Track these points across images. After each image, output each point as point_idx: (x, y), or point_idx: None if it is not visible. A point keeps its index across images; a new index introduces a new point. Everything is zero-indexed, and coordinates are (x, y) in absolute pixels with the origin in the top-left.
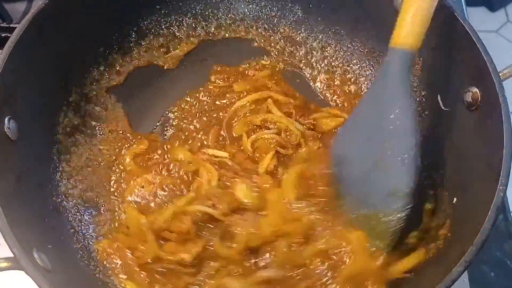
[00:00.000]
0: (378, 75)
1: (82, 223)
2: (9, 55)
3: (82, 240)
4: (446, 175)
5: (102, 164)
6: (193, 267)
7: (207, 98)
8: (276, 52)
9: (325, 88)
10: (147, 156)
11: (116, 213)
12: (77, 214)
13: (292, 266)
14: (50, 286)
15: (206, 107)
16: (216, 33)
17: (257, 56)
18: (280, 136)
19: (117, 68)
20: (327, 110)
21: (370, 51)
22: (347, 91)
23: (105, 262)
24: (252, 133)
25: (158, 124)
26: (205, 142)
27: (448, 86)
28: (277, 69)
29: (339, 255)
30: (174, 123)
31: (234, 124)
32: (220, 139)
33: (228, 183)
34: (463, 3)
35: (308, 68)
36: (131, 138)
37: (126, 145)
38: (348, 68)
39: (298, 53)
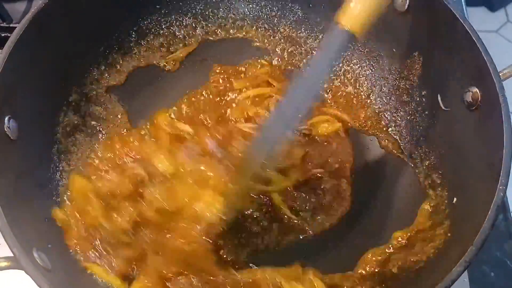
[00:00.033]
0: (319, 51)
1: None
2: (9, 55)
3: None
4: (446, 175)
5: None
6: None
7: (208, 96)
8: (276, 52)
9: (324, 88)
10: None
11: None
12: None
13: None
14: (50, 285)
15: (207, 106)
16: (216, 33)
17: (257, 56)
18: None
19: (117, 68)
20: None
21: (370, 51)
22: (346, 91)
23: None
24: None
25: None
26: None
27: (448, 86)
28: (277, 68)
29: None
30: None
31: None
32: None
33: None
34: (463, 3)
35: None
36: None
37: None
38: (348, 68)
39: (298, 53)
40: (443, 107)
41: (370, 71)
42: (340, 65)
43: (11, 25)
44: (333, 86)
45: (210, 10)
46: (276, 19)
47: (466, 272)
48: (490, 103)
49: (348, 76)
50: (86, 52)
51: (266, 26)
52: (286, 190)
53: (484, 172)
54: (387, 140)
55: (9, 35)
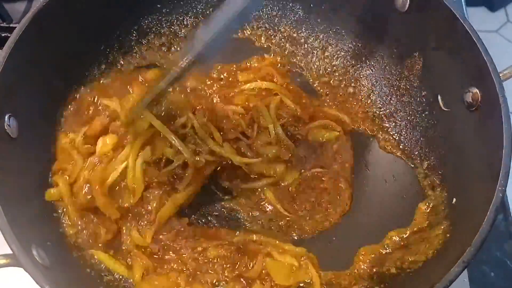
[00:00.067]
0: None
1: None
2: (9, 54)
3: None
4: (445, 175)
5: None
6: None
7: (213, 89)
8: (277, 52)
9: (325, 87)
10: None
11: None
12: None
13: None
14: (48, 283)
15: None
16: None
17: (258, 56)
18: (247, 128)
19: (118, 67)
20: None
21: (370, 52)
22: (347, 91)
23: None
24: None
25: None
26: None
27: (449, 86)
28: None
29: None
30: None
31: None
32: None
33: None
34: (463, 3)
35: (308, 68)
36: None
37: None
38: (349, 68)
39: (298, 53)
40: (443, 108)
41: (371, 71)
42: (341, 65)
43: (11, 25)
44: (334, 86)
45: (211, 9)
46: (277, 18)
47: (466, 272)
48: (490, 104)
49: (348, 76)
50: (86, 51)
51: (267, 25)
52: (286, 188)
53: (483, 172)
54: (387, 140)
55: (9, 35)
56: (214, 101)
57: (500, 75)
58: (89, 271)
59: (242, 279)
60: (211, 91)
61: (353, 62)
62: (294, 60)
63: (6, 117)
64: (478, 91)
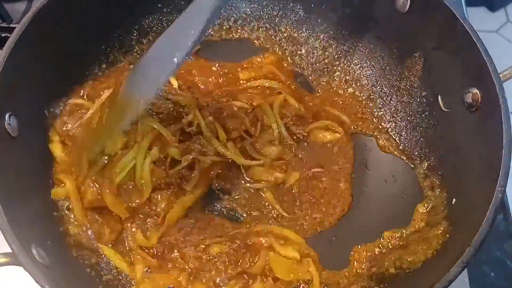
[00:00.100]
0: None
1: None
2: (9, 54)
3: None
4: (445, 175)
5: None
6: None
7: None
8: (278, 52)
9: (325, 87)
10: None
11: None
12: None
13: None
14: (48, 282)
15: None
16: (218, 33)
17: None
18: (250, 126)
19: (119, 66)
20: (327, 114)
21: (371, 52)
22: (346, 91)
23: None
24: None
25: None
26: None
27: (449, 87)
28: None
29: None
30: None
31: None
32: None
33: None
34: (463, 3)
35: (309, 68)
36: None
37: None
38: (349, 68)
39: (299, 53)
40: (443, 108)
41: (371, 71)
42: (341, 65)
43: (11, 25)
44: (334, 86)
45: None
46: (277, 18)
47: (466, 272)
48: (490, 104)
49: (348, 76)
50: (87, 51)
51: (267, 25)
52: (286, 189)
53: (483, 173)
54: (387, 140)
55: (9, 35)
56: (219, 99)
57: (500, 75)
58: (89, 271)
59: (244, 275)
60: (213, 87)
61: (353, 62)
62: (295, 60)
63: (7, 116)
64: (478, 92)
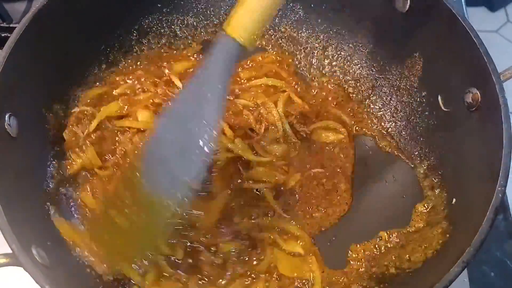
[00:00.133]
0: (206, 58)
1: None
2: (9, 54)
3: None
4: (445, 175)
5: None
6: None
7: None
8: (277, 52)
9: (325, 87)
10: None
11: None
12: None
13: None
14: (48, 282)
15: None
16: (218, 32)
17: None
18: (255, 124)
19: (118, 67)
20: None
21: (370, 52)
22: (346, 91)
23: None
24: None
25: None
26: None
27: (449, 87)
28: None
29: None
30: None
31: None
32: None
33: None
34: (463, 3)
35: (309, 68)
36: None
37: None
38: (349, 69)
39: (299, 53)
40: (443, 108)
41: (371, 71)
42: (341, 65)
43: (11, 25)
44: (334, 86)
45: (211, 9)
46: (277, 18)
47: (466, 272)
48: (490, 104)
49: (348, 76)
50: (87, 51)
51: (267, 25)
52: (285, 188)
53: (483, 173)
54: (387, 140)
55: (9, 35)
56: None
57: (501, 76)
58: (89, 271)
59: (250, 273)
60: None
61: (353, 62)
62: (295, 60)
63: (7, 116)
64: (478, 92)
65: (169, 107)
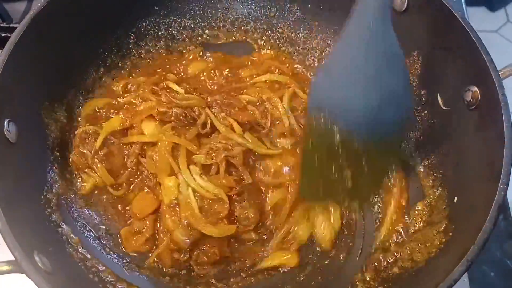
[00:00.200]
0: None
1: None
2: (9, 56)
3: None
4: (446, 174)
5: None
6: None
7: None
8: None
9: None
10: None
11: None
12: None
13: None
14: None
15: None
16: (215, 34)
17: None
18: (261, 119)
19: (117, 70)
20: None
21: None
22: None
23: None
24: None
25: None
26: None
27: (448, 86)
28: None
29: None
30: None
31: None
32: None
33: None
34: (463, 3)
35: (307, 68)
36: None
37: None
38: None
39: (297, 53)
40: (442, 107)
41: None
42: None
43: (11, 25)
44: None
45: (208, 11)
46: (274, 19)
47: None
48: (490, 102)
49: None
50: (85, 54)
51: (265, 26)
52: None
53: (484, 171)
54: None
55: (9, 35)
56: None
57: (500, 73)
58: (92, 277)
59: None
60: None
61: None
62: (293, 60)
63: (6, 122)
64: (478, 90)
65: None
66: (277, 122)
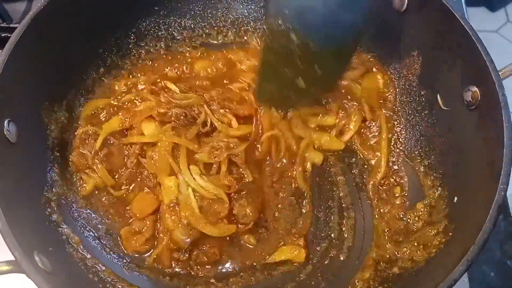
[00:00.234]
0: None
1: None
2: (9, 56)
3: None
4: (446, 174)
5: None
6: None
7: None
8: None
9: None
10: None
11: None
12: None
13: None
14: None
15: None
16: (215, 34)
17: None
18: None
19: (117, 70)
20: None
21: (369, 51)
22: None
23: None
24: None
25: None
26: None
27: (448, 85)
28: None
29: None
30: None
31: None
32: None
33: None
34: (463, 3)
35: None
36: None
37: None
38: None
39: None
40: (442, 107)
41: None
42: None
43: (11, 25)
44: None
45: (208, 11)
46: None
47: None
48: (490, 102)
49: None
50: (85, 54)
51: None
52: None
53: (484, 171)
54: None
55: (9, 35)
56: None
57: (500, 73)
58: (92, 277)
59: None
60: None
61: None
62: None
63: (6, 122)
64: (477, 90)
65: None
66: None
